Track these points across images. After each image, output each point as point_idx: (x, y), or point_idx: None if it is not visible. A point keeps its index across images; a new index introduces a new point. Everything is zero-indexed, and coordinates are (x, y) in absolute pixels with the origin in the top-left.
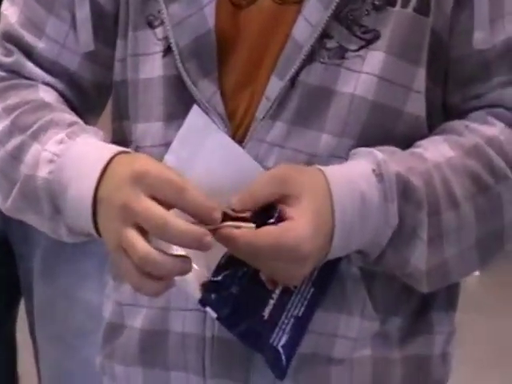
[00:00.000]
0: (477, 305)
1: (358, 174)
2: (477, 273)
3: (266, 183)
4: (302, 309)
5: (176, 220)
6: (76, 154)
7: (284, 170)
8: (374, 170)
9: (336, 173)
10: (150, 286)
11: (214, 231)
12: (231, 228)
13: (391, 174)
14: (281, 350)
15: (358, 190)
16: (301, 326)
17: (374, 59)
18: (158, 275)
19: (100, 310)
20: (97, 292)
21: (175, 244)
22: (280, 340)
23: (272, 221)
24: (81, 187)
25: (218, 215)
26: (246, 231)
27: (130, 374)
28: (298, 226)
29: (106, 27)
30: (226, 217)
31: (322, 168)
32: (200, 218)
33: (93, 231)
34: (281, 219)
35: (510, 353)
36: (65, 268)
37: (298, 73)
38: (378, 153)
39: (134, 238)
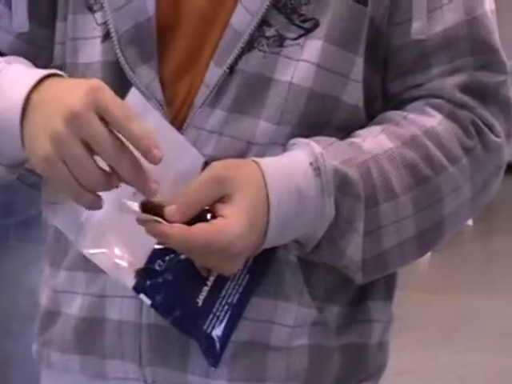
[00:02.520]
0: (428, 284)
1: (295, 167)
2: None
3: (201, 189)
4: (237, 296)
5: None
6: (10, 77)
7: (218, 170)
8: (311, 164)
9: (272, 166)
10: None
11: (144, 222)
12: (162, 223)
13: (328, 168)
14: (215, 337)
15: (295, 183)
16: (235, 314)
17: (313, 47)
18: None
19: None
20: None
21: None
22: (214, 327)
23: (208, 218)
24: (10, 97)
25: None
26: (179, 228)
27: (67, 361)
28: (231, 225)
29: (42, 8)
30: (148, 205)
31: (258, 161)
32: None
33: (18, 142)
34: (213, 214)
35: (460, 330)
36: (9, 254)
37: (236, 61)
38: (316, 145)
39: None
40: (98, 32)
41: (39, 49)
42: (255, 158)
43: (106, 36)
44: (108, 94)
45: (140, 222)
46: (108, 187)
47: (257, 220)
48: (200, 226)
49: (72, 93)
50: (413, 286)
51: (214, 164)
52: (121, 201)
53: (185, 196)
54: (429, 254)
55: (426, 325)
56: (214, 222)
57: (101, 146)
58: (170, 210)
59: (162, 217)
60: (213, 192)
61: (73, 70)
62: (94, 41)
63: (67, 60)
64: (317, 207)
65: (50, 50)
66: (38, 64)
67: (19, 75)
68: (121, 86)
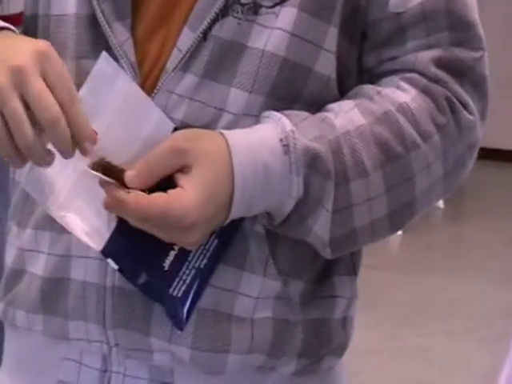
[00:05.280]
0: (398, 264)
1: (264, 142)
2: (399, 232)
3: (160, 158)
4: (204, 261)
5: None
6: None
7: (181, 141)
8: (281, 140)
9: (239, 140)
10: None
11: (104, 184)
12: (120, 188)
13: (298, 146)
14: (180, 299)
15: (262, 159)
16: (202, 278)
17: (287, 16)
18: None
19: None
20: None
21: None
22: (180, 290)
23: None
24: None
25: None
26: (135, 194)
27: (31, 321)
28: (186, 196)
29: None
30: (110, 169)
31: (225, 133)
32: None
33: None
34: (173, 185)
35: (427, 312)
36: None
37: (210, 26)
38: (288, 122)
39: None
40: None
41: None
42: (223, 131)
43: None
44: (57, 62)
45: (102, 183)
46: (39, 152)
47: (217, 193)
48: (156, 194)
49: (19, 49)
50: (382, 265)
51: (176, 134)
52: (83, 167)
53: (145, 163)
54: (399, 233)
55: (393, 305)
56: (171, 191)
57: (38, 106)
58: (129, 175)
59: (123, 182)
60: (171, 162)
61: (46, 22)
62: None
63: (40, 11)
64: (284, 185)
65: None
66: None
67: None
68: (94, 39)
